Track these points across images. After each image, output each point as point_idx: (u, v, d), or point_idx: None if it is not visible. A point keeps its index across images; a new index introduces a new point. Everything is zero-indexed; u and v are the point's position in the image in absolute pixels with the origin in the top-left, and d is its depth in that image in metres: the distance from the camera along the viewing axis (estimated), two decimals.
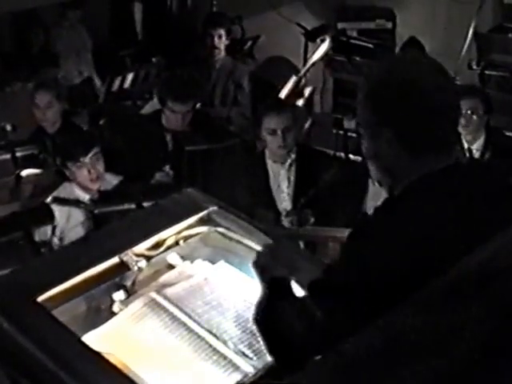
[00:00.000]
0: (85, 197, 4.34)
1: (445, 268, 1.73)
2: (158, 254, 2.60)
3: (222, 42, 6.27)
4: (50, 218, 3.65)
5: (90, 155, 4.34)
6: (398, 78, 2.05)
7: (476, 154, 5.01)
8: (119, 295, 2.44)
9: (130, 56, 7.75)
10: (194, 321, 2.34)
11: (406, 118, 2.02)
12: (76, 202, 4.18)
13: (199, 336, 2.29)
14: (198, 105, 5.26)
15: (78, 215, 4.25)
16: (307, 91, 6.66)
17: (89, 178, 4.36)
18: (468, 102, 4.96)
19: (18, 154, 4.95)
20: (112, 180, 4.50)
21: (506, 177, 2.18)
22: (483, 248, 1.79)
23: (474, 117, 4.99)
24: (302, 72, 6.53)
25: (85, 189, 4.41)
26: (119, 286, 2.49)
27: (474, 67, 6.97)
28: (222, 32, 6.28)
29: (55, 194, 4.29)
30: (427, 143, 2.04)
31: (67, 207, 4.19)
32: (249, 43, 7.85)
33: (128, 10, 8.39)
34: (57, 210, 3.93)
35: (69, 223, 4.29)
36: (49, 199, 3.94)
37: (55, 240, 4.18)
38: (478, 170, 2.20)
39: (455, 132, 2.15)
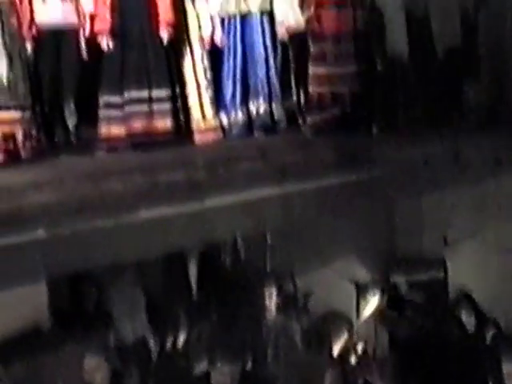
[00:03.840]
0: None
1: None
2: None
3: (272, 300, 6.30)
4: None
5: None
6: None
7: None
8: None
9: (183, 313, 7.80)
10: None
11: None
12: None
13: None
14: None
15: None
16: (360, 347, 6.59)
17: None
18: None
19: None
20: None
21: None
22: None
23: None
24: (355, 328, 6.50)
25: None
26: None
27: None
28: (273, 290, 6.32)
29: None
30: None
31: None
32: (301, 299, 7.88)
33: (182, 265, 8.58)
34: None
35: None
36: None
37: None
38: None
39: None
